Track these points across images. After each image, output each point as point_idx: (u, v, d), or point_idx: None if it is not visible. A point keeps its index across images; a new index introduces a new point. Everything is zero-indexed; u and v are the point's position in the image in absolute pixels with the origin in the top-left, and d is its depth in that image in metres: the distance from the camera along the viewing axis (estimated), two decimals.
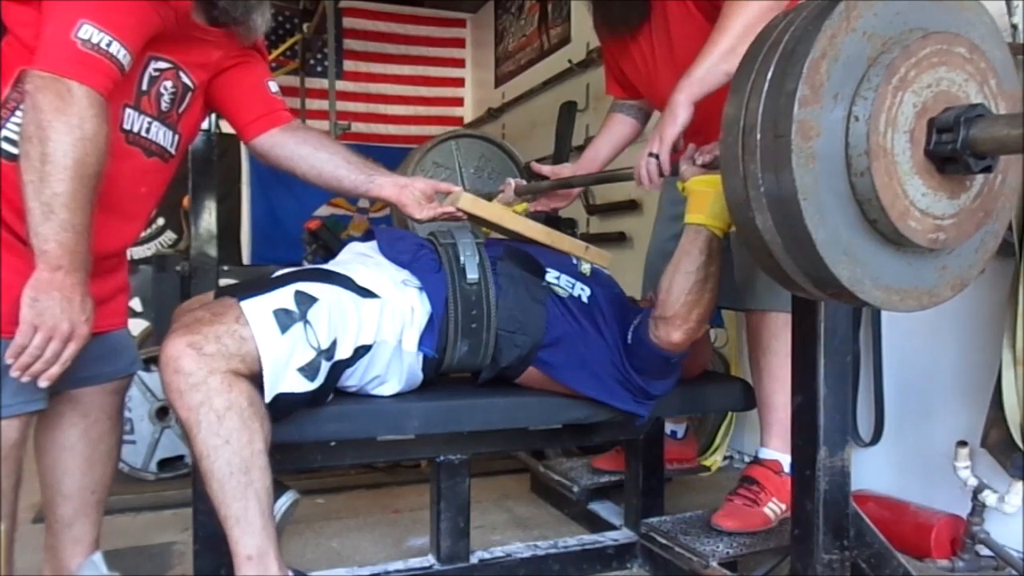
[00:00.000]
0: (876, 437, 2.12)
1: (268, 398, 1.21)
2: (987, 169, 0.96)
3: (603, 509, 2.10)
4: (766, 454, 1.77)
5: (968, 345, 1.89)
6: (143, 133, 1.34)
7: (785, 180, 0.93)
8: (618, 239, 3.42)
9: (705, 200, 1.40)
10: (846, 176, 0.95)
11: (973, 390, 1.82)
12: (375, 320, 1.36)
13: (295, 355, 1.23)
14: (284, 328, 1.22)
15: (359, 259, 1.52)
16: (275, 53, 4.80)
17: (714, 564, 1.55)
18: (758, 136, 0.96)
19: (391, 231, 1.60)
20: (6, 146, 1.19)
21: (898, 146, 0.95)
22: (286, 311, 1.24)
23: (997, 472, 1.72)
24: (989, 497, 1.71)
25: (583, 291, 1.57)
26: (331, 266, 1.45)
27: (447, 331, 1.43)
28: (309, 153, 1.59)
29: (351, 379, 1.39)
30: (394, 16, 5.67)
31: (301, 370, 1.24)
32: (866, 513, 1.39)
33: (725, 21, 1.48)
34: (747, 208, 1.00)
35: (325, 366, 1.28)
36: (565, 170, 2.01)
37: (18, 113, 1.17)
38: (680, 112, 1.48)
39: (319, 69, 5.03)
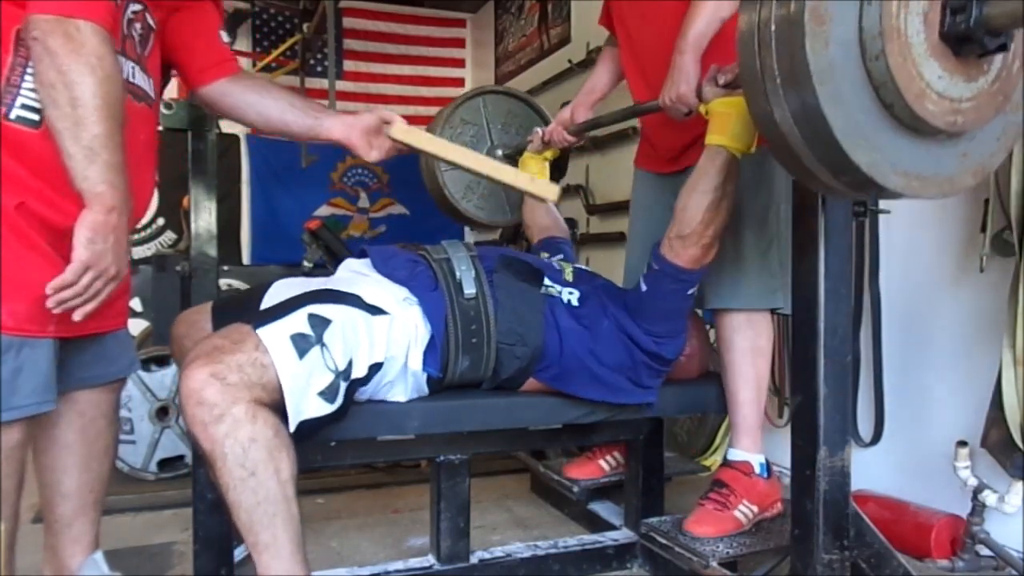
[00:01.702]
0: (876, 437, 2.12)
1: (292, 427, 1.20)
2: (1002, 48, 0.95)
3: (603, 509, 2.11)
4: (735, 455, 1.75)
5: (968, 345, 1.89)
6: (130, 78, 1.30)
7: (800, 66, 0.93)
8: (618, 239, 3.41)
9: (727, 121, 1.43)
10: (861, 61, 0.95)
11: (973, 390, 1.82)
12: (385, 337, 1.36)
13: (314, 379, 1.23)
14: (302, 353, 1.21)
15: (358, 277, 1.51)
16: (275, 53, 4.79)
17: (714, 564, 1.55)
18: (773, 28, 0.96)
19: (383, 248, 1.60)
20: (28, 114, 1.14)
21: (912, 28, 0.94)
22: (303, 335, 1.23)
23: (997, 472, 1.72)
24: (989, 497, 1.71)
25: (572, 295, 1.58)
26: (336, 285, 1.45)
27: (448, 349, 1.43)
28: (256, 100, 1.57)
29: (364, 395, 1.39)
30: (394, 16, 5.66)
31: (321, 394, 1.24)
32: (866, 513, 1.39)
33: None
34: (765, 102, 1.00)
35: (343, 387, 1.28)
36: (566, 112, 2.07)
37: (27, 78, 1.14)
38: (690, 70, 1.54)
39: (319, 69, 5.02)
